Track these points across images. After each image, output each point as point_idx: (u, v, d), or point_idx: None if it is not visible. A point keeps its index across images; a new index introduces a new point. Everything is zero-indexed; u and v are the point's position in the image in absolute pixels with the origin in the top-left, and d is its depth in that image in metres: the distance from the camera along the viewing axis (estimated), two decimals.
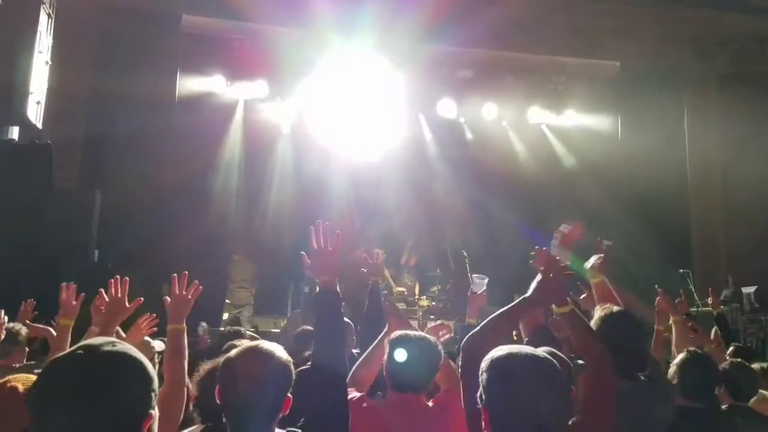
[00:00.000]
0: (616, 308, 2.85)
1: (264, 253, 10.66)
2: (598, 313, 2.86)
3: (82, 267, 7.56)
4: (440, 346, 2.90)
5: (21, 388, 2.06)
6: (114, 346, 1.32)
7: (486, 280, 3.84)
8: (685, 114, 12.14)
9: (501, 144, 12.50)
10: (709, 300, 5.83)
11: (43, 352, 4.19)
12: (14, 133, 8.14)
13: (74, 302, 3.54)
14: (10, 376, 2.18)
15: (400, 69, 11.27)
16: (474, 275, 3.95)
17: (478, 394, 1.74)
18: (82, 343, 1.33)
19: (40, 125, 8.28)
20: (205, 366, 2.89)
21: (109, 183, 9.04)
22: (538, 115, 12.50)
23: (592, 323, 2.82)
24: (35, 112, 8.14)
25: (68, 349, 1.33)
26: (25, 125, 8.04)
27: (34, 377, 2.54)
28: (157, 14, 10.05)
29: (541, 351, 1.78)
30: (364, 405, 2.80)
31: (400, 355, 2.76)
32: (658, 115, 11.54)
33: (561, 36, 11.19)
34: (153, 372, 1.34)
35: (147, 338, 4.04)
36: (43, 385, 1.28)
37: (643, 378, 2.71)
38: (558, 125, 12.58)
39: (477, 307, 3.83)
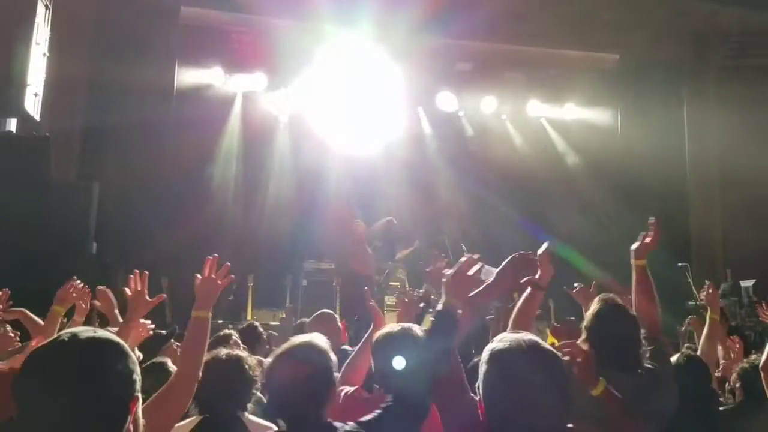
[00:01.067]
0: (609, 301, 2.83)
1: (262, 246, 10.64)
2: (591, 306, 2.83)
3: (80, 260, 7.54)
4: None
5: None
6: (95, 332, 1.34)
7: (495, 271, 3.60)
8: (684, 107, 12.13)
9: (500, 137, 12.47)
10: (709, 290, 5.71)
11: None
12: (12, 125, 8.10)
13: (74, 295, 3.76)
14: None
15: (399, 61, 11.24)
16: (484, 266, 3.69)
17: (477, 385, 1.72)
18: (64, 331, 1.35)
19: (37, 117, 8.23)
20: (205, 357, 2.88)
21: (107, 175, 9.02)
22: (538, 108, 12.46)
23: (586, 317, 2.80)
24: (33, 104, 8.09)
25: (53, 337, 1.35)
26: (23, 117, 8.00)
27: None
28: (155, 5, 10.00)
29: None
30: (365, 397, 2.79)
31: (392, 360, 2.72)
32: (657, 108, 11.54)
33: (560, 28, 11.16)
34: (134, 357, 1.37)
35: None
36: (28, 372, 1.29)
37: (640, 371, 2.69)
38: (557, 118, 12.55)
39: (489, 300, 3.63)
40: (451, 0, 10.03)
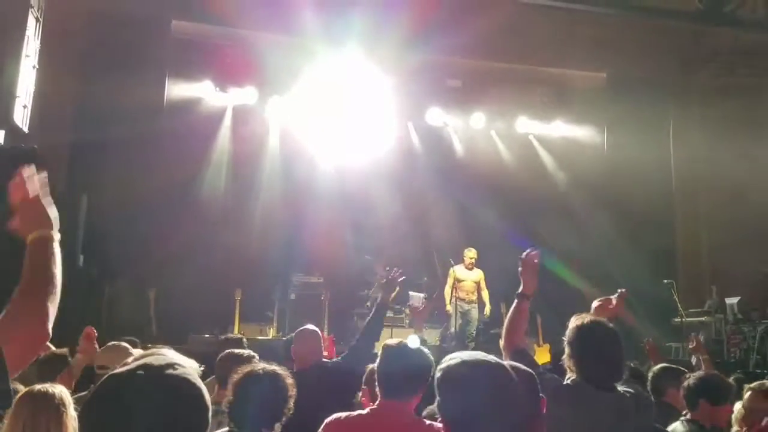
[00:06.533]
0: (589, 318, 2.84)
1: (250, 259, 10.61)
2: (572, 323, 2.84)
3: (68, 272, 7.48)
4: (431, 356, 2.90)
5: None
6: (175, 369, 1.26)
7: (422, 296, 3.81)
8: (670, 125, 12.26)
9: (489, 153, 12.54)
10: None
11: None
12: (0, 137, 8.08)
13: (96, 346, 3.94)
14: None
15: (389, 77, 11.31)
16: (410, 292, 3.89)
17: (436, 404, 1.74)
18: (142, 361, 1.27)
19: (26, 129, 8.24)
20: (244, 369, 2.86)
21: (95, 188, 8.99)
22: (526, 124, 12.56)
23: (567, 334, 2.81)
24: (22, 116, 8.10)
25: (128, 366, 1.27)
26: (11, 129, 7.99)
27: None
28: (146, 19, 10.02)
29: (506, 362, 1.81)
30: (342, 418, 2.80)
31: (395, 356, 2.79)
32: (643, 126, 11.65)
33: (548, 47, 11.28)
34: (209, 401, 1.29)
35: (125, 345, 4.04)
36: (99, 402, 1.23)
37: (622, 390, 2.71)
38: (545, 135, 12.65)
39: (421, 321, 3.80)
40: (440, 18, 10.13)
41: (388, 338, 3.21)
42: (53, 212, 1.90)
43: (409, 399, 2.80)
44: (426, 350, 2.92)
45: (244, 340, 5.35)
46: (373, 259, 10.65)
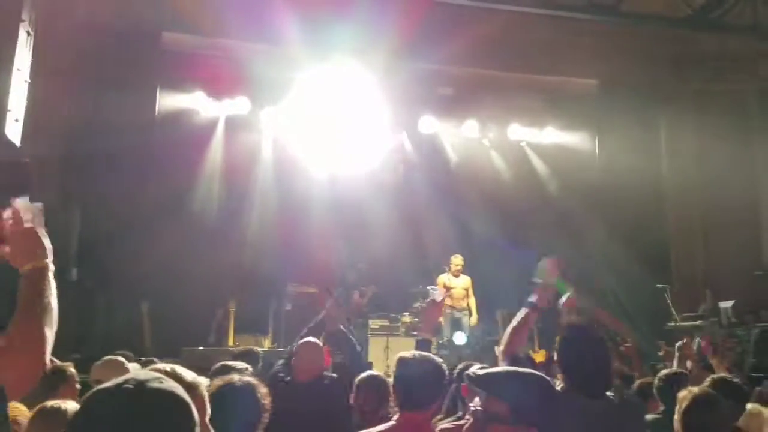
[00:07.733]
0: (579, 326, 2.84)
1: (245, 270, 10.58)
2: (561, 331, 2.85)
3: (61, 286, 7.46)
4: (444, 365, 2.91)
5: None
6: (161, 382, 1.25)
7: (439, 290, 3.81)
8: (661, 131, 12.32)
9: (482, 161, 12.57)
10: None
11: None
12: None
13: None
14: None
15: (381, 86, 11.32)
16: (429, 287, 3.94)
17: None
18: (128, 376, 1.26)
19: (18, 143, 8.21)
20: (217, 383, 2.81)
21: (88, 200, 8.97)
22: (518, 132, 12.60)
23: (557, 342, 2.82)
24: (14, 130, 8.07)
25: (115, 380, 1.25)
26: (3, 143, 7.97)
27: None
28: (137, 32, 10.02)
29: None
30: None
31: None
32: (635, 132, 11.70)
33: (539, 55, 11.33)
34: (196, 415, 1.27)
35: (121, 359, 4.01)
36: (86, 417, 1.22)
37: (611, 396, 2.71)
38: (538, 142, 12.69)
39: (434, 320, 3.91)
40: (431, 27, 10.16)
41: (384, 347, 3.23)
42: (47, 243, 1.90)
43: (428, 410, 2.85)
44: (439, 359, 2.93)
45: (260, 351, 5.32)
46: (362, 269, 10.60)
